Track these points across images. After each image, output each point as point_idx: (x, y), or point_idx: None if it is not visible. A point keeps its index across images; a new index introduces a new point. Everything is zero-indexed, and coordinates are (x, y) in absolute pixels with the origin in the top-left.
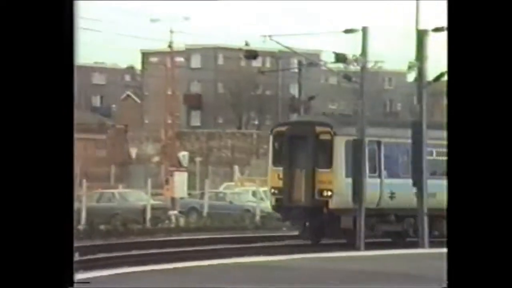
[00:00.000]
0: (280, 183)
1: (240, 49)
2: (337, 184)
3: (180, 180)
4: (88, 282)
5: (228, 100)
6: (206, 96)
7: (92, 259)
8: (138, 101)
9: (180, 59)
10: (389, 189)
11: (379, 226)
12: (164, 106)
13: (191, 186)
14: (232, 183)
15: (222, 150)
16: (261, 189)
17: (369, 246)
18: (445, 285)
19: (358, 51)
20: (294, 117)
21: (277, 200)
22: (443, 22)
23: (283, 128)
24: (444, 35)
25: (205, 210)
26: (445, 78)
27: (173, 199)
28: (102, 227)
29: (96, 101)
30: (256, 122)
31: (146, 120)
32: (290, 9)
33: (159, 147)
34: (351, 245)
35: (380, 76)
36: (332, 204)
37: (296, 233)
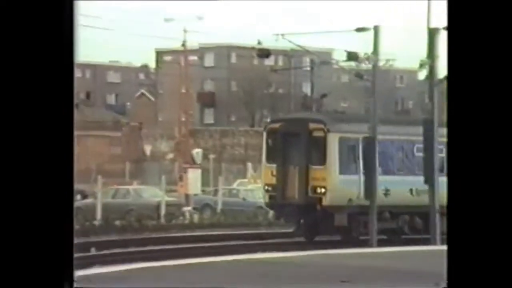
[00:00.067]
0: (273, 180)
1: (253, 48)
2: (330, 181)
3: (194, 177)
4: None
5: (241, 98)
6: (219, 94)
7: (108, 254)
8: (152, 99)
9: (193, 57)
10: (384, 186)
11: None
12: (178, 104)
13: (204, 183)
14: (245, 180)
15: (235, 148)
16: None
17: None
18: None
19: (369, 50)
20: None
21: (270, 197)
22: None
23: (276, 125)
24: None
25: (219, 207)
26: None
27: (187, 196)
28: (117, 222)
29: (111, 99)
30: (269, 120)
31: (160, 118)
32: (301, 8)
33: (173, 144)
34: (365, 242)
35: (391, 74)
36: (326, 201)
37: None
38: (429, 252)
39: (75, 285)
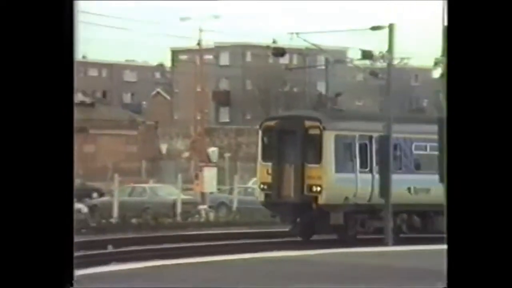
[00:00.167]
0: (269, 179)
1: (268, 47)
2: (326, 180)
3: (209, 175)
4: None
5: (256, 96)
6: (234, 92)
7: (125, 251)
8: (168, 98)
9: (209, 56)
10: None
11: (371, 222)
12: (194, 103)
13: (220, 181)
14: None
15: (250, 146)
16: None
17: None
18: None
19: (384, 48)
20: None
21: (266, 195)
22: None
23: (272, 123)
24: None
25: (234, 205)
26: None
27: (202, 194)
28: (133, 220)
29: (127, 98)
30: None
31: (175, 117)
32: (314, 7)
33: (188, 143)
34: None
35: (406, 72)
36: (322, 200)
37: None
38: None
39: (75, 285)
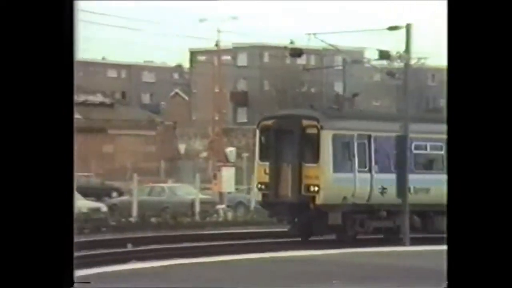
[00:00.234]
0: (266, 178)
1: (285, 47)
2: (324, 180)
3: (227, 175)
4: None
5: (273, 97)
6: (252, 93)
7: (145, 250)
8: (186, 98)
9: (227, 57)
10: (380, 184)
11: (369, 222)
12: (212, 103)
13: (238, 181)
14: None
15: None
16: None
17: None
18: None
19: (401, 48)
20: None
21: (263, 195)
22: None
23: (269, 122)
24: None
25: (252, 205)
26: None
27: (220, 194)
28: (153, 219)
29: (146, 98)
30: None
31: (194, 117)
32: (336, 7)
33: (206, 143)
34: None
35: (423, 72)
36: (319, 200)
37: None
38: None
39: (75, 285)
